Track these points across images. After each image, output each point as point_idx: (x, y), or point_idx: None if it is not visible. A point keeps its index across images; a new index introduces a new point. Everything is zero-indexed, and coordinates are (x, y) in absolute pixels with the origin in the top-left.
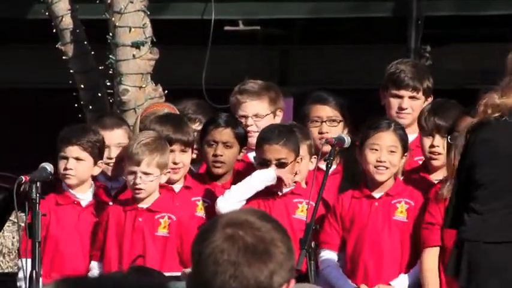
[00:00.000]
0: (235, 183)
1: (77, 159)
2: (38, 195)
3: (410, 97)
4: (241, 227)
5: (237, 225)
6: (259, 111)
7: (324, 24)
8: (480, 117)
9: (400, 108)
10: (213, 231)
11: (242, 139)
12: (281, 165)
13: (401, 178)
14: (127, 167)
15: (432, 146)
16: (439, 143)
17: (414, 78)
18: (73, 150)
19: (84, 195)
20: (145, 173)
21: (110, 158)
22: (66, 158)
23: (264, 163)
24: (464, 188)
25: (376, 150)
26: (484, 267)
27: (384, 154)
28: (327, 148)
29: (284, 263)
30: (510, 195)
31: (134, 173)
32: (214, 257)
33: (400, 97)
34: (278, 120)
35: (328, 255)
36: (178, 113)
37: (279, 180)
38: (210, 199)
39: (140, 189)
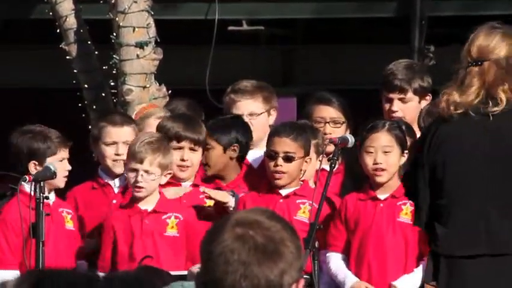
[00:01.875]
0: (238, 188)
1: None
2: (41, 194)
3: (400, 99)
4: (251, 226)
5: (247, 224)
6: (253, 110)
7: (327, 24)
8: (442, 113)
9: (391, 111)
10: (222, 231)
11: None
12: (288, 159)
13: None
14: (129, 164)
15: None
16: None
17: (402, 80)
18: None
19: None
20: (147, 172)
21: (118, 155)
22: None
23: (271, 155)
24: (430, 185)
25: (372, 152)
26: (461, 281)
27: (380, 156)
28: (330, 148)
29: (293, 262)
30: (477, 198)
31: (136, 170)
32: (225, 256)
33: (392, 100)
34: (272, 119)
35: (332, 257)
36: (165, 114)
37: None
38: None
39: (141, 187)
